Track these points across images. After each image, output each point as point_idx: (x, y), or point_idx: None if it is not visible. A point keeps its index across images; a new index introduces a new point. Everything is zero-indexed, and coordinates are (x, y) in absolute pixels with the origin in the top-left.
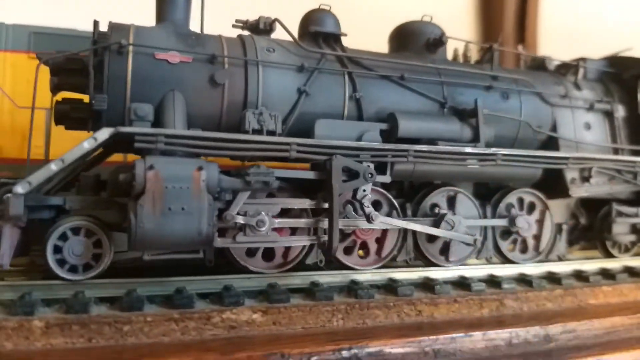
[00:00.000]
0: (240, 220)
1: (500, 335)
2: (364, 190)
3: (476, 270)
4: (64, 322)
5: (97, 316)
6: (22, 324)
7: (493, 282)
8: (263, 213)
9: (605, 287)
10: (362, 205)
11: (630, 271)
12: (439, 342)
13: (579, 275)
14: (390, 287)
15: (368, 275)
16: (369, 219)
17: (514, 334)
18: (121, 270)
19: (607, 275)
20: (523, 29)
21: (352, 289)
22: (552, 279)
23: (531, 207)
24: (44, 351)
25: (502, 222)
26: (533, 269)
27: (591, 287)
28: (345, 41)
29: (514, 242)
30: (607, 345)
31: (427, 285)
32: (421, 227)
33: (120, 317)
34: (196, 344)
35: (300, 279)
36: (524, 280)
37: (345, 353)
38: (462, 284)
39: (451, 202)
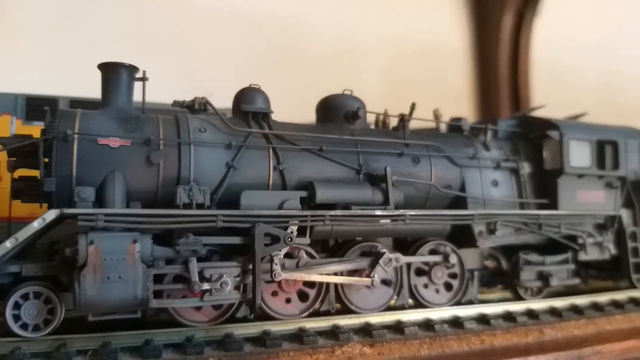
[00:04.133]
0: (207, 286)
1: (547, 358)
2: (279, 250)
3: (518, 305)
4: None
5: None
6: None
7: (532, 314)
8: (225, 276)
9: (618, 316)
10: (272, 261)
11: (635, 301)
12: None
13: (596, 306)
14: (457, 322)
15: (441, 313)
16: (272, 276)
17: (556, 356)
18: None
19: (617, 305)
20: (516, 72)
21: (429, 325)
22: (576, 310)
23: (444, 256)
24: None
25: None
26: (560, 302)
27: (607, 316)
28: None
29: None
30: None
31: (483, 319)
32: (317, 277)
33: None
34: None
35: (389, 318)
36: (554, 312)
37: None
38: (509, 317)
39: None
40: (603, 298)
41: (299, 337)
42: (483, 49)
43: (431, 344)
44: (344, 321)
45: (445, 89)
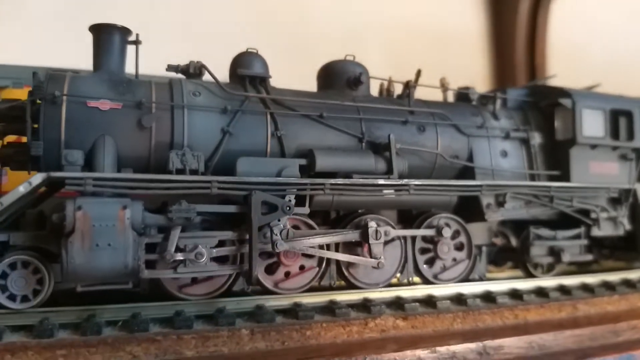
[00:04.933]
0: (180, 257)
1: (583, 332)
2: (278, 220)
3: (549, 280)
4: None
5: None
6: None
7: (564, 290)
8: (200, 246)
9: None
10: (271, 232)
11: None
12: (542, 338)
13: (628, 283)
14: (490, 297)
15: (473, 287)
16: (273, 245)
17: (592, 331)
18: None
19: None
20: (533, 51)
21: (461, 299)
22: (608, 286)
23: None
24: None
25: (422, 245)
26: (592, 279)
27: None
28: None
29: (434, 263)
30: None
31: (515, 294)
32: (325, 253)
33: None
34: (357, 342)
35: (420, 292)
36: (587, 288)
37: (473, 346)
38: (541, 292)
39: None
40: (634, 275)
41: (330, 309)
42: (500, 32)
43: (464, 317)
44: (375, 294)
45: (460, 72)
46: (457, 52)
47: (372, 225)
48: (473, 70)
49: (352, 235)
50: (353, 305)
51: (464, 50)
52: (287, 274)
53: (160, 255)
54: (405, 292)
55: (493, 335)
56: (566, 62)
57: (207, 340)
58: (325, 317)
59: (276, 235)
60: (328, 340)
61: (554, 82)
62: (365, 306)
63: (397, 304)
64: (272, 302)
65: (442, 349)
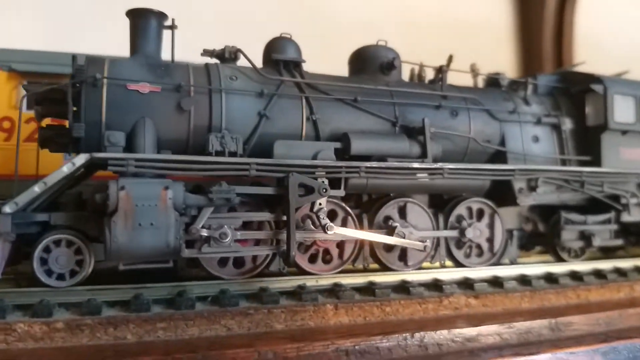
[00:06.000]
0: (205, 233)
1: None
2: (320, 204)
3: (605, 263)
4: None
5: None
6: None
7: (620, 272)
8: (225, 226)
9: None
10: (318, 217)
11: None
12: (608, 316)
13: None
14: (552, 278)
15: (534, 269)
16: (324, 229)
17: None
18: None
19: None
20: (560, 44)
21: (525, 280)
22: None
23: (480, 215)
24: None
25: (452, 234)
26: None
27: None
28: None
29: (469, 248)
30: None
31: (575, 275)
32: (373, 236)
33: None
34: (432, 319)
35: (485, 273)
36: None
37: (546, 323)
38: (598, 274)
39: (402, 212)
40: None
41: (405, 288)
42: (527, 26)
43: (531, 297)
44: (445, 275)
45: (487, 65)
46: (483, 44)
47: (396, 225)
48: (500, 64)
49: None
50: (424, 285)
51: (490, 42)
52: (324, 255)
53: (186, 230)
54: (471, 273)
55: (559, 313)
56: (593, 55)
57: (295, 314)
58: (401, 295)
59: (323, 218)
60: (406, 317)
61: (581, 69)
62: (436, 286)
63: (467, 284)
64: (348, 280)
65: (518, 324)
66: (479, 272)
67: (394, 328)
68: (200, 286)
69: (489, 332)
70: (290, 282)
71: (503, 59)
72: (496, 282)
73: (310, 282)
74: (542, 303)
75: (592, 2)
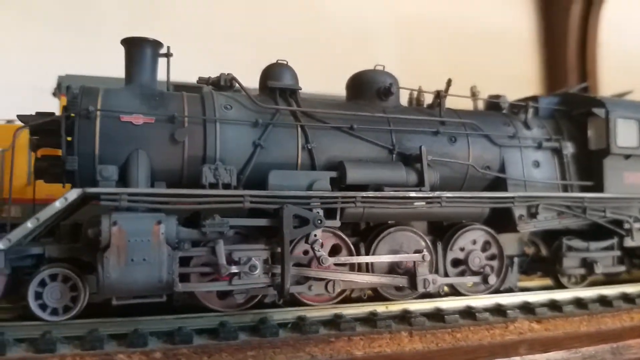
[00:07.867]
0: (235, 269)
1: None
2: (315, 235)
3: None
4: None
5: None
6: None
7: None
8: (254, 258)
9: None
10: (313, 249)
11: None
12: None
13: None
14: (606, 301)
15: (587, 292)
16: (319, 261)
17: None
18: None
19: None
20: (584, 56)
21: (581, 303)
22: None
23: (483, 243)
24: None
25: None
26: None
27: None
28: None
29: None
30: None
31: (604, 301)
32: (361, 277)
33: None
34: (499, 344)
35: (543, 297)
36: None
37: (607, 347)
38: (627, 298)
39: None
40: None
41: (470, 313)
42: (551, 35)
43: (589, 321)
44: (506, 300)
45: (509, 75)
46: (506, 54)
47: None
48: (523, 74)
49: (399, 281)
50: (488, 310)
51: (514, 52)
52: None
53: (215, 268)
54: (532, 297)
55: (617, 336)
56: (617, 68)
57: (372, 341)
58: (468, 322)
59: (318, 250)
60: (475, 342)
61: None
62: (499, 310)
63: (527, 308)
64: (416, 306)
65: (584, 350)
66: (537, 296)
67: (466, 355)
68: (279, 313)
69: (556, 359)
70: (361, 309)
71: (527, 70)
72: (555, 306)
73: (380, 308)
74: (599, 326)
75: (616, 12)
